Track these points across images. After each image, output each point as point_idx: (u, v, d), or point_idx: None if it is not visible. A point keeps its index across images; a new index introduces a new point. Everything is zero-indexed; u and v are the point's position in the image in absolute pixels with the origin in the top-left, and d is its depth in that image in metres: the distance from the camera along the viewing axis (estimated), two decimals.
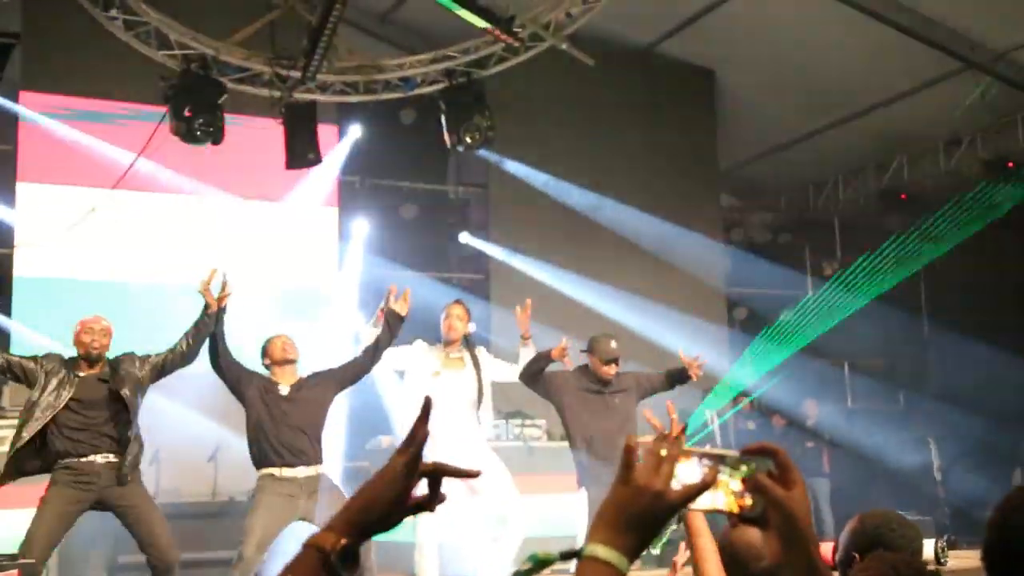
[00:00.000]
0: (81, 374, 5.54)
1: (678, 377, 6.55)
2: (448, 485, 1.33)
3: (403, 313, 6.06)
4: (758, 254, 12.65)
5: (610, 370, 6.46)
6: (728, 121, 11.98)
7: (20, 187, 9.38)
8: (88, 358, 5.59)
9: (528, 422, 8.72)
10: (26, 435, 5.33)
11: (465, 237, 11.34)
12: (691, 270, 11.18)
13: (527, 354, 6.41)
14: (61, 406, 5.39)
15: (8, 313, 9.22)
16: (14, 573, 4.48)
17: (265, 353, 5.99)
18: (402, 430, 6.48)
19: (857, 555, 2.78)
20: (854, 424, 11.14)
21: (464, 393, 6.37)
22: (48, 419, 5.36)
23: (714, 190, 12.37)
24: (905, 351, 12.61)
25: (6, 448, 5.57)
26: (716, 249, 11.89)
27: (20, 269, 9.31)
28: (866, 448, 10.37)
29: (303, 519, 5.70)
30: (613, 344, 6.51)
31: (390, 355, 6.24)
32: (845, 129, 11.80)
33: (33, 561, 5.10)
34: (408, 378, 6.51)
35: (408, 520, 1.32)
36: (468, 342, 6.50)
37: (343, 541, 1.27)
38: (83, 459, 5.39)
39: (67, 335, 5.80)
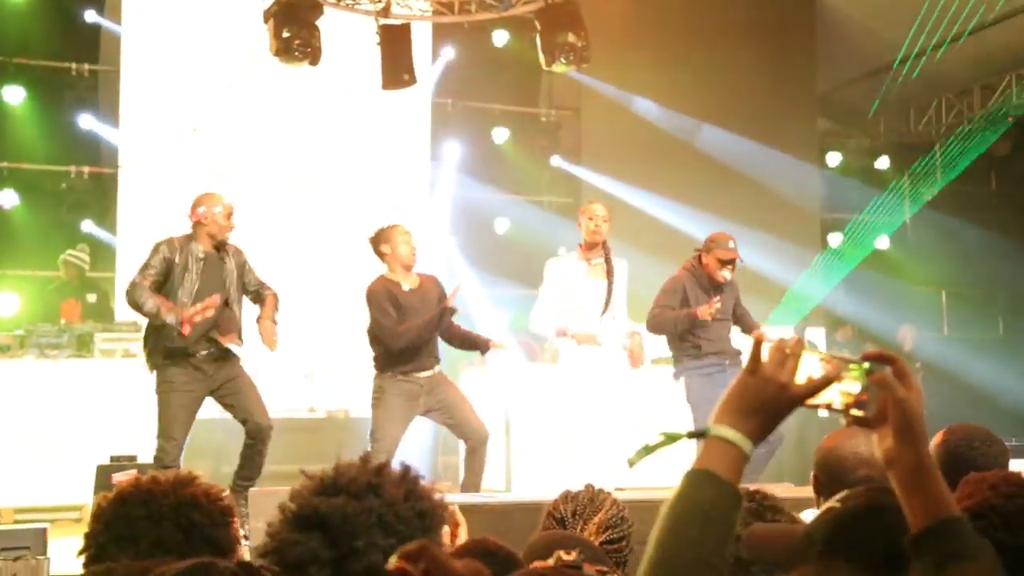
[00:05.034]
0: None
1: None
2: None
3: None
4: (855, 179, 12.36)
5: (726, 274, 6.10)
6: (828, 42, 11.61)
7: (124, 107, 9.59)
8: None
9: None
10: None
11: (557, 160, 11.29)
12: (786, 195, 10.96)
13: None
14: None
15: (113, 231, 9.52)
16: (133, 472, 4.70)
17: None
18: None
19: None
20: (950, 352, 10.93)
21: (598, 306, 6.03)
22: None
23: (812, 113, 12.07)
24: (1005, 278, 12.26)
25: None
26: (812, 173, 11.64)
27: (124, 189, 9.57)
28: (963, 376, 10.17)
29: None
30: (732, 244, 6.09)
31: (541, 322, 6.11)
32: (949, 49, 11.35)
33: (176, 441, 5.46)
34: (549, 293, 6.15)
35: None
36: (606, 247, 6.12)
37: None
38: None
39: None
